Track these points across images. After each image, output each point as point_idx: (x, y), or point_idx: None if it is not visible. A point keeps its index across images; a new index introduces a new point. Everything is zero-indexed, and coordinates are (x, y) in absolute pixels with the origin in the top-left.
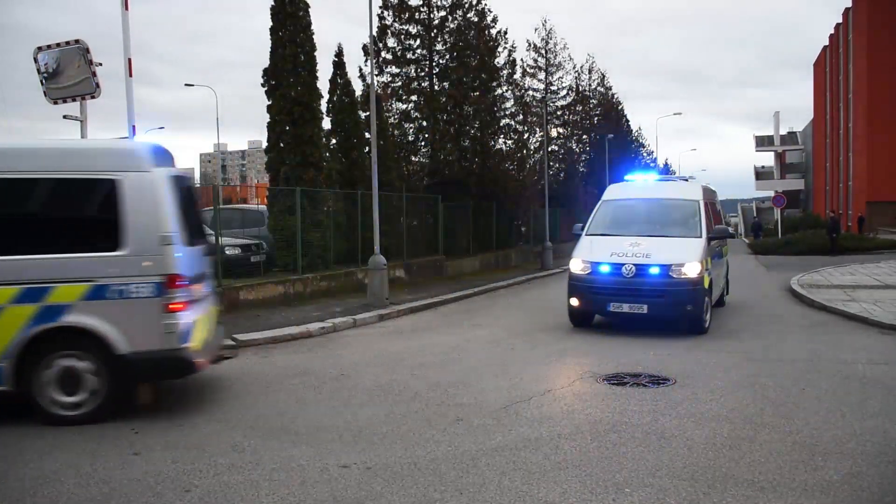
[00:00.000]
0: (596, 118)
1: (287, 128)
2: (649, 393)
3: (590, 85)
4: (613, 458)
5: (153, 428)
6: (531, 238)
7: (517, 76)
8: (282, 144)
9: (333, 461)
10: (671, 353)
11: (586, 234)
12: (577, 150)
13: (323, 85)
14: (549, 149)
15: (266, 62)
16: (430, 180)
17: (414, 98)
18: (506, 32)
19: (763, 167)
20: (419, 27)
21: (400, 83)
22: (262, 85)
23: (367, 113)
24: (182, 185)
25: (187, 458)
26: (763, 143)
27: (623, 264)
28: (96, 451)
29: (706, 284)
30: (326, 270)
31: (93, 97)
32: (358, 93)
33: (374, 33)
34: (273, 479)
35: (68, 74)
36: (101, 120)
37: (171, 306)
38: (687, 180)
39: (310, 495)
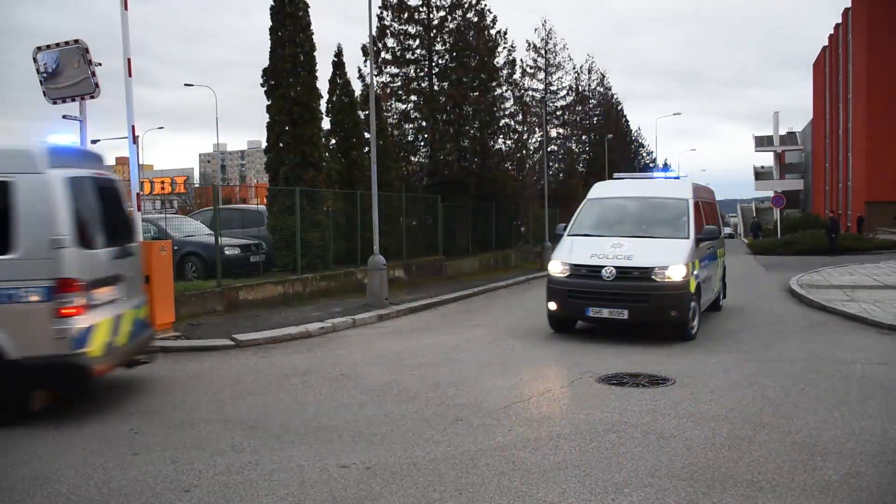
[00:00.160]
0: (595, 118)
1: (286, 128)
2: (648, 393)
3: (589, 85)
4: (613, 458)
5: (153, 428)
6: (531, 238)
7: (517, 76)
8: (281, 144)
9: (333, 461)
10: (670, 353)
11: (568, 235)
12: (577, 150)
13: (322, 85)
14: (549, 149)
15: (266, 62)
16: (430, 180)
17: (413, 98)
18: (505, 33)
19: (762, 167)
20: (418, 27)
21: (399, 83)
22: (262, 85)
23: (367, 113)
24: (98, 185)
25: (187, 458)
26: (762, 143)
27: (603, 266)
28: (96, 451)
29: (692, 289)
30: (326, 270)
31: (92, 97)
32: (357, 93)
33: (374, 33)
34: (272, 480)
35: (68, 74)
36: (100, 120)
37: (62, 311)
38: (678, 178)
39: (309, 495)
